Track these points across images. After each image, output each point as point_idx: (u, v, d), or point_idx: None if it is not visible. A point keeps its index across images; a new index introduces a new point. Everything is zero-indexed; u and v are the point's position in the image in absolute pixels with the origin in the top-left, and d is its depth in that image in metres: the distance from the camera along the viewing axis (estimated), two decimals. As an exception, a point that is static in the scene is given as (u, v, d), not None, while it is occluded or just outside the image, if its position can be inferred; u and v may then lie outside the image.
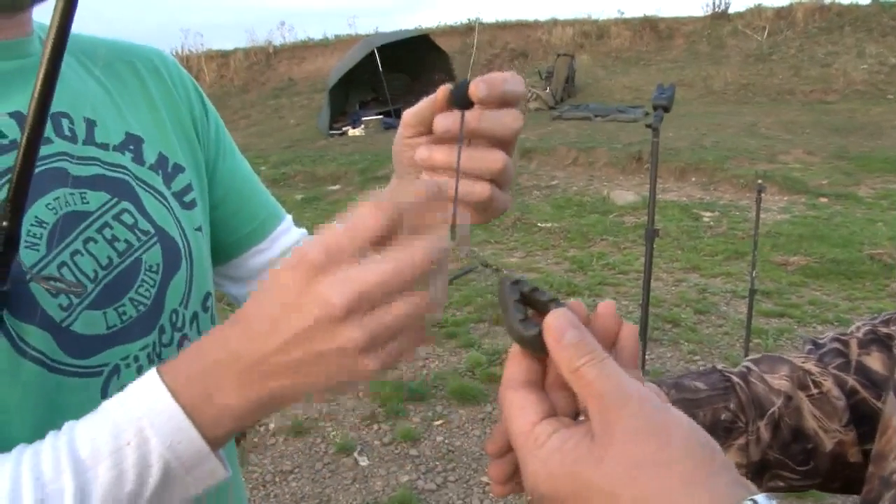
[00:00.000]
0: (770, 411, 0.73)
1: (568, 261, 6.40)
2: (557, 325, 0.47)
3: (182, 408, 0.53)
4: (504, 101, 0.57)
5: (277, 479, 3.30)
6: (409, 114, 0.65)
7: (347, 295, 0.48)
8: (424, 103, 0.63)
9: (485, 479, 3.25)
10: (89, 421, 0.55)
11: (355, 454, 3.47)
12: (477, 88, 0.53)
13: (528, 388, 0.49)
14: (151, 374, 0.55)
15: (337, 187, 10.00)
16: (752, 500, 0.38)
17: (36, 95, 0.55)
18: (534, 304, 0.51)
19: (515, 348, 0.50)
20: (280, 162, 11.60)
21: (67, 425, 0.55)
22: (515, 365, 0.50)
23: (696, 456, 0.41)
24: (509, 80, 0.55)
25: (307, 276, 0.49)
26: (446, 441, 3.55)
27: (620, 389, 0.43)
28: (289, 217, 1.03)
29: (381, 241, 0.50)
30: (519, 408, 0.48)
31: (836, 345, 0.78)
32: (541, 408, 0.47)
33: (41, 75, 0.55)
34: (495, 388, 3.74)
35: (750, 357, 0.80)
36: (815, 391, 0.74)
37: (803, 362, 0.77)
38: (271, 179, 10.67)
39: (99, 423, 0.54)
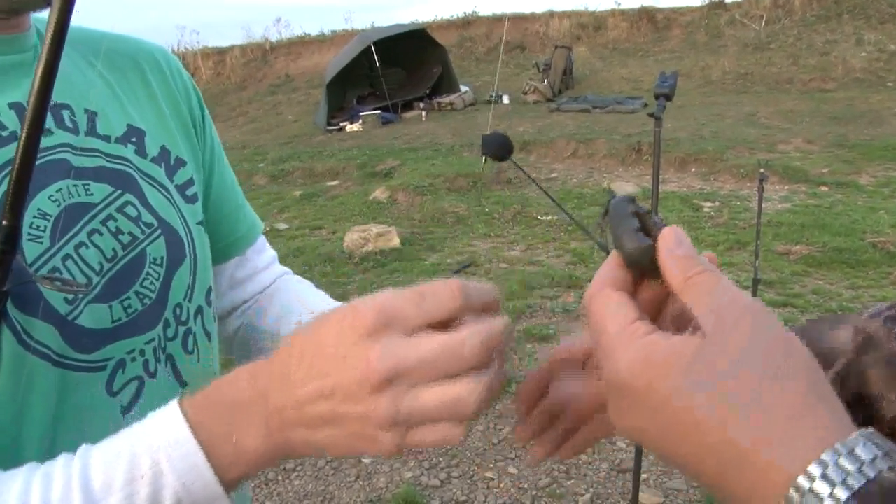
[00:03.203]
0: (834, 370, 0.68)
1: (569, 253, 6.37)
2: (673, 236, 0.45)
3: (200, 445, 0.51)
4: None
5: (280, 477, 3.28)
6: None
7: (388, 365, 0.46)
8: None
9: (489, 474, 3.23)
10: (105, 448, 0.53)
11: (358, 451, 3.45)
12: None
13: (625, 292, 0.47)
14: (173, 407, 0.53)
15: (336, 183, 9.97)
16: (866, 434, 0.35)
17: (35, 91, 0.55)
18: (643, 225, 0.49)
19: (614, 257, 0.48)
20: (278, 158, 11.57)
21: (83, 449, 0.54)
22: (615, 270, 0.48)
23: (815, 376, 0.38)
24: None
25: (357, 333, 0.47)
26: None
27: (740, 300, 0.41)
28: (261, 234, 1.02)
29: (444, 323, 0.48)
30: (618, 304, 0.45)
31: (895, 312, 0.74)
32: (638, 311, 0.45)
33: (40, 70, 0.54)
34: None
35: (809, 319, 0.76)
36: (880, 353, 0.70)
37: (866, 324, 0.73)
38: (270, 175, 10.64)
39: (114, 452, 0.52)
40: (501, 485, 3.17)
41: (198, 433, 0.52)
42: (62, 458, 0.53)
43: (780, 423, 0.37)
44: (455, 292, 0.48)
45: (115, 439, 0.54)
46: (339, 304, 0.91)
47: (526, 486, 3.15)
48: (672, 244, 0.45)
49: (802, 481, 0.35)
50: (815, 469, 0.35)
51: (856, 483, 0.34)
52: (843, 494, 0.34)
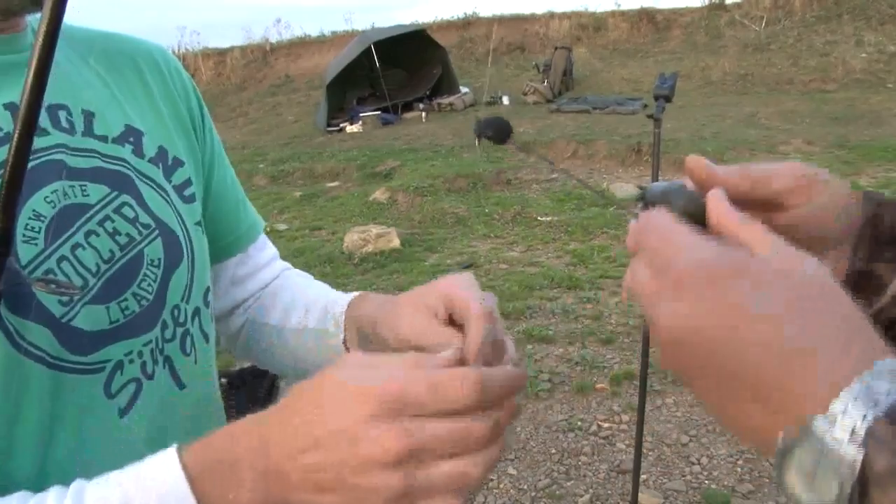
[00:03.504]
0: None
1: (569, 254, 6.37)
2: (724, 194, 0.48)
3: (195, 495, 0.52)
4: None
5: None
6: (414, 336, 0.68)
7: (404, 445, 0.48)
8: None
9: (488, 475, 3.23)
10: (101, 486, 0.53)
11: (358, 452, 3.45)
12: None
13: None
14: (171, 453, 0.54)
15: (336, 184, 9.97)
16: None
17: (27, 89, 0.54)
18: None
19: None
20: (278, 159, 11.57)
21: (76, 486, 0.54)
22: (663, 213, 0.49)
23: (859, 320, 0.41)
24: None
25: (372, 412, 0.49)
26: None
27: (796, 248, 0.44)
28: (262, 231, 1.03)
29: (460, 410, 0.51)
30: (683, 227, 0.47)
31: None
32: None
33: (32, 67, 0.54)
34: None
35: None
36: None
37: None
38: (270, 176, 10.64)
39: (110, 493, 0.53)
40: (501, 486, 3.17)
41: (193, 483, 0.52)
42: (54, 492, 0.53)
43: (840, 335, 0.39)
44: (473, 388, 0.50)
45: (108, 479, 0.54)
46: (339, 293, 0.91)
47: (525, 486, 3.15)
48: (724, 198, 0.48)
49: (853, 388, 0.37)
50: (856, 387, 0.37)
51: (887, 401, 0.36)
52: (876, 412, 0.36)
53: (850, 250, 0.59)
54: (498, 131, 0.64)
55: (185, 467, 0.53)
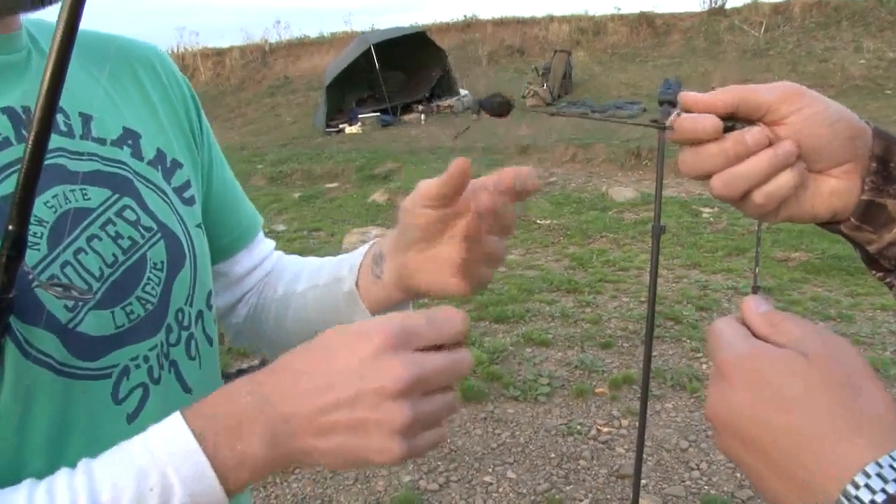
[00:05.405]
0: None
1: (568, 258, 6.37)
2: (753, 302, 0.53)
3: (206, 454, 0.53)
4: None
5: (278, 480, 3.27)
6: (431, 187, 0.67)
7: (412, 374, 0.52)
8: (445, 182, 0.66)
9: (487, 478, 3.23)
10: (109, 461, 0.54)
11: (356, 454, 3.43)
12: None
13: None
14: (177, 418, 0.55)
15: (334, 185, 9.97)
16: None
17: (43, 94, 0.53)
18: None
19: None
20: (277, 160, 11.57)
21: (83, 464, 0.54)
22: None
23: (877, 405, 0.44)
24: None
25: (377, 347, 0.53)
26: (448, 440, 3.52)
27: (820, 335, 0.48)
28: (261, 226, 1.04)
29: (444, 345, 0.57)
30: (732, 328, 0.52)
31: None
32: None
33: (48, 75, 0.53)
34: (497, 386, 3.72)
35: None
36: None
37: None
38: (269, 178, 10.64)
39: (120, 465, 0.53)
40: (500, 489, 3.16)
41: (202, 442, 0.53)
42: (63, 473, 0.53)
43: (852, 423, 0.43)
44: (462, 318, 0.57)
45: (115, 452, 0.54)
46: (331, 257, 0.94)
47: (525, 490, 3.15)
48: (755, 307, 0.52)
49: (864, 474, 0.41)
50: (871, 468, 0.41)
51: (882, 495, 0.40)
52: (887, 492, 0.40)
53: (860, 178, 0.62)
54: (498, 106, 0.71)
55: (192, 430, 0.54)
